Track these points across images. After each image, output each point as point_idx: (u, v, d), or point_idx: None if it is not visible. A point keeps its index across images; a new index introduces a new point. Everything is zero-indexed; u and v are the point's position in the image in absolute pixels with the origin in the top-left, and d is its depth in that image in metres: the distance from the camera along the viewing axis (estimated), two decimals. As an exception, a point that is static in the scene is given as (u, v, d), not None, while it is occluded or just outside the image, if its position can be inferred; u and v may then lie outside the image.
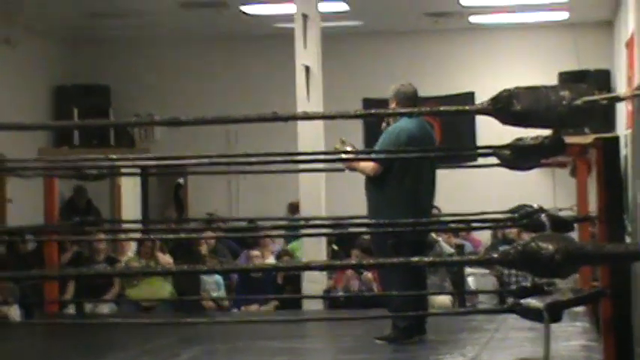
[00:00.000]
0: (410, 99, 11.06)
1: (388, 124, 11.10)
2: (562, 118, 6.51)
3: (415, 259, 9.26)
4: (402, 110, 11.13)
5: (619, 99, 10.17)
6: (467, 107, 8.25)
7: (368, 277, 15.22)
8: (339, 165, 13.05)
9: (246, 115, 8.95)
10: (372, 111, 11.77)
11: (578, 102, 6.26)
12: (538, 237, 6.28)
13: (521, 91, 6.32)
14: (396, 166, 10.90)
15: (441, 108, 9.07)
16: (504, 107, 6.31)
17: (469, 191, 15.48)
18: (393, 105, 11.15)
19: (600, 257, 6.89)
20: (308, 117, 14.72)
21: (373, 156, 11.60)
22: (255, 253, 16.60)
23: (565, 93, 6.30)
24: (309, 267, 12.41)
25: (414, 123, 10.98)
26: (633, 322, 8.55)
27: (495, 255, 6.52)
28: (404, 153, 11.33)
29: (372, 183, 10.98)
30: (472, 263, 15.59)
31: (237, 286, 16.77)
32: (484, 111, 6.43)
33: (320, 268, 14.07)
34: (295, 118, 14.69)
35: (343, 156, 11.32)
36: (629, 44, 14.95)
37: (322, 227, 14.47)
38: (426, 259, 10.42)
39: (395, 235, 10.67)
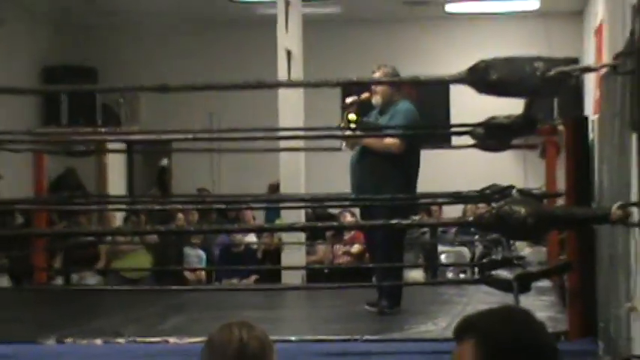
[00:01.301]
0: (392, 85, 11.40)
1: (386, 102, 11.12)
2: (536, 87, 7.16)
3: (406, 222, 10.57)
4: (384, 80, 11.20)
5: (589, 69, 10.24)
6: (446, 77, 8.55)
7: (355, 251, 15.54)
8: (318, 143, 14.29)
9: (233, 82, 9.96)
10: (355, 79, 11.25)
11: (552, 72, 6.75)
12: (511, 201, 7.14)
13: (497, 62, 6.85)
14: (415, 143, 11.21)
15: (421, 78, 10.45)
16: (481, 77, 6.84)
17: (443, 174, 15.48)
18: (377, 88, 11.19)
19: (569, 220, 7.81)
20: (290, 84, 15.13)
21: (392, 132, 11.40)
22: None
23: (539, 64, 6.82)
24: (294, 228, 13.20)
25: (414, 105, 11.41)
26: (597, 295, 8.89)
27: (471, 218, 7.84)
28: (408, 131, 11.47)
29: (386, 159, 11.00)
30: (450, 225, 15.98)
31: (218, 260, 16.84)
32: (462, 80, 7.13)
33: (302, 229, 14.29)
34: (278, 85, 15.41)
35: (348, 132, 11.41)
36: (598, 32, 14.95)
37: (302, 203, 14.37)
38: (413, 222, 11.79)
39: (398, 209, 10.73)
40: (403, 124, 11.29)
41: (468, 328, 3.31)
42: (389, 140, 11.04)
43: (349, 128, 11.36)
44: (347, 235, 16.23)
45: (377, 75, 11.06)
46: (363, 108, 11.43)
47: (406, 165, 11.09)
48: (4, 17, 19.12)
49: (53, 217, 16.17)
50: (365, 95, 11.21)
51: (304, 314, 11.96)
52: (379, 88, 11.13)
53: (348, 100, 11.39)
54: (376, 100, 11.15)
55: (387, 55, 17.55)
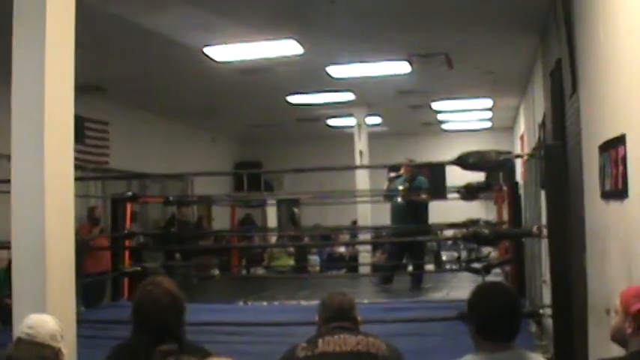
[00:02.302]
0: (415, 167, 12.14)
1: (408, 177, 11.90)
2: (492, 166, 8.09)
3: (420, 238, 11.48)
4: (410, 164, 11.73)
5: (519, 156, 11.81)
6: (444, 162, 9.28)
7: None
8: (376, 199, 14.86)
9: (334, 166, 12.83)
10: (394, 164, 12.43)
11: (500, 158, 7.60)
12: (480, 226, 8.08)
13: (471, 153, 7.58)
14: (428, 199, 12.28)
15: (432, 162, 12.64)
16: (463, 160, 7.53)
17: (444, 214, 13.28)
18: (407, 167, 11.88)
19: (511, 235, 9.12)
20: (362, 167, 17.18)
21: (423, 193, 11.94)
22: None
23: (494, 154, 7.58)
24: (364, 242, 15.08)
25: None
26: (525, 277, 9.56)
27: (459, 235, 8.39)
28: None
29: (415, 208, 11.88)
30: (448, 240, 14.76)
31: (325, 261, 17.63)
32: (455, 163, 7.67)
33: (367, 243, 15.23)
34: (356, 167, 17.40)
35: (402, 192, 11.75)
36: (521, 138, 16.49)
37: (368, 230, 15.48)
38: (427, 238, 12.42)
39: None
40: (426, 188, 12.23)
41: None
42: (424, 196, 12.01)
43: (397, 190, 11.96)
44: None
45: (405, 160, 12.00)
46: (396, 178, 12.38)
47: (425, 209, 12.22)
48: (216, 137, 21.26)
49: (241, 238, 16.80)
50: (401, 171, 12.20)
51: (371, 288, 11.79)
52: (408, 168, 11.93)
53: (392, 174, 12.68)
54: (406, 174, 12.04)
55: (412, 150, 18.49)
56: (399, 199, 11.86)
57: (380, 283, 11.75)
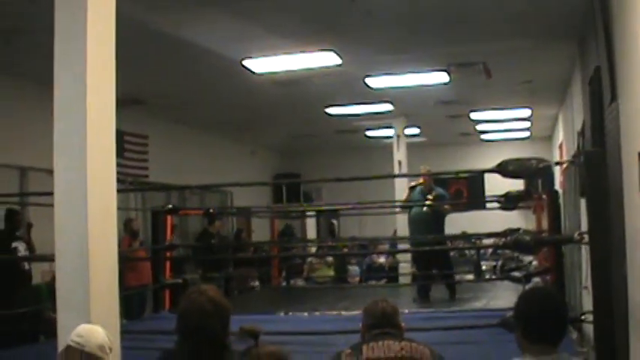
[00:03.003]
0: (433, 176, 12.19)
1: (429, 187, 11.69)
2: (532, 173, 8.08)
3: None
4: (436, 173, 12.14)
5: (559, 163, 11.50)
6: (486, 168, 9.13)
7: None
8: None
9: (375, 174, 12.69)
10: (431, 174, 11.32)
11: (540, 165, 7.57)
12: (521, 233, 7.90)
13: (511, 160, 7.66)
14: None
15: (472, 170, 12.18)
16: (504, 168, 7.59)
17: (484, 223, 14.02)
18: (425, 177, 11.74)
19: (551, 241, 8.86)
20: (400, 176, 16.80)
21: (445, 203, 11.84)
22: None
23: (534, 161, 7.62)
24: (402, 251, 14.36)
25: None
26: (565, 285, 9.31)
27: (500, 243, 8.65)
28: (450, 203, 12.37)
29: (440, 217, 11.72)
30: (489, 247, 16.07)
31: (364, 272, 17.47)
32: (495, 170, 7.81)
33: (406, 251, 14.17)
34: (395, 176, 17.28)
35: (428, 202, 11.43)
36: (560, 147, 16.39)
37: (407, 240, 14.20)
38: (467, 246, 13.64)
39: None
40: (447, 198, 12.42)
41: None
42: (447, 207, 12.03)
43: (417, 200, 11.71)
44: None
45: (423, 171, 11.77)
46: (414, 187, 12.05)
47: (444, 219, 11.88)
48: (256, 150, 21.49)
49: (281, 249, 17.10)
50: (419, 182, 11.91)
51: (411, 298, 11.56)
52: (426, 178, 11.75)
53: (412, 183, 12.18)
54: (424, 184, 11.76)
55: (450, 160, 19.88)
56: (424, 209, 11.60)
57: (420, 301, 11.46)
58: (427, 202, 11.44)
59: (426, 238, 11.55)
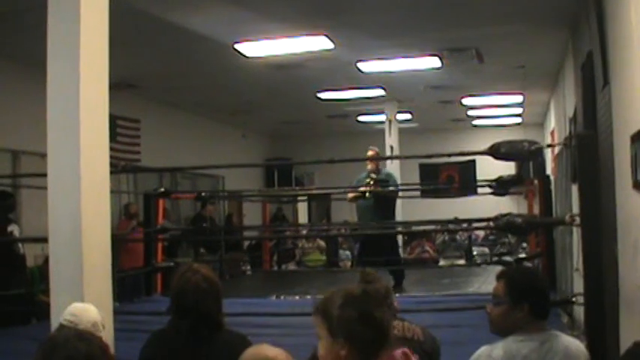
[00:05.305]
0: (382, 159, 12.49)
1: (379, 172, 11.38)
2: (524, 156, 8.04)
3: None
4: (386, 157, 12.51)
5: (551, 145, 11.89)
6: (477, 151, 8.45)
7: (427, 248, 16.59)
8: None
9: (364, 157, 11.05)
10: (430, 160, 12.65)
11: (532, 147, 7.39)
12: (513, 215, 7.53)
13: (503, 142, 7.47)
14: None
15: (464, 153, 11.80)
16: (496, 150, 7.41)
17: (475, 208, 14.16)
18: (372, 160, 11.39)
19: (543, 223, 9.02)
20: (393, 158, 17.25)
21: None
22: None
23: (525, 143, 7.47)
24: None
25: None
26: (555, 270, 9.61)
27: (492, 224, 7.95)
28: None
29: (387, 202, 11.49)
30: (481, 229, 16.43)
31: (357, 254, 15.74)
32: (487, 153, 7.55)
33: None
34: (388, 158, 17.20)
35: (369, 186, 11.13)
36: (551, 133, 16.43)
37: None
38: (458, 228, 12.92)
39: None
40: (394, 182, 11.97)
41: (501, 275, 3.94)
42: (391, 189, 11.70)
43: (361, 184, 11.31)
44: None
45: (370, 153, 11.43)
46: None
47: (393, 204, 11.83)
48: (246, 134, 21.48)
49: (272, 234, 16.86)
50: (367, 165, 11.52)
51: (404, 282, 11.23)
52: (373, 161, 11.35)
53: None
54: (371, 167, 11.35)
55: (442, 146, 19.84)
56: (366, 194, 11.23)
57: (395, 286, 10.88)
58: (363, 188, 11.14)
59: (368, 224, 11.33)
